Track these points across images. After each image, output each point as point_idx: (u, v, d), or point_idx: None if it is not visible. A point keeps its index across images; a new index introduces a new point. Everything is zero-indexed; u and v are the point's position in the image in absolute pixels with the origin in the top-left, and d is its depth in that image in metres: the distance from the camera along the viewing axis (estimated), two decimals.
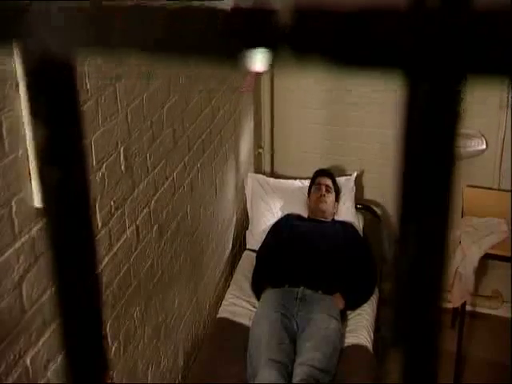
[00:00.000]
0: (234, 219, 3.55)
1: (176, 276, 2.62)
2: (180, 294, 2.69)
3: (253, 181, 3.67)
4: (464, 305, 3.29)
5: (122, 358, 2.10)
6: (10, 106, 1.40)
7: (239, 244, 3.63)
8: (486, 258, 3.10)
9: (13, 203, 1.42)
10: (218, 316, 3.02)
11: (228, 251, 3.45)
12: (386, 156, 3.87)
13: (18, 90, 1.42)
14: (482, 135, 3.57)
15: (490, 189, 3.61)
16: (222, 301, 3.16)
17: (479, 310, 3.90)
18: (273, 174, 3.98)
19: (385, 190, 3.94)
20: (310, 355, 2.56)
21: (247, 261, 3.41)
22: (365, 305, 3.06)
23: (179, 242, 2.63)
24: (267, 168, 4.03)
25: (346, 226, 3.40)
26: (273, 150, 4.05)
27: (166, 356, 2.56)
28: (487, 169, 3.63)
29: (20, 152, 1.45)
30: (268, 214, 3.57)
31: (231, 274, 3.41)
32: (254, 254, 3.39)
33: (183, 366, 2.77)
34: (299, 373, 2.47)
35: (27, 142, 1.46)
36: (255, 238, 3.52)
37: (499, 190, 3.58)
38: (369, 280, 3.15)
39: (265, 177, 3.77)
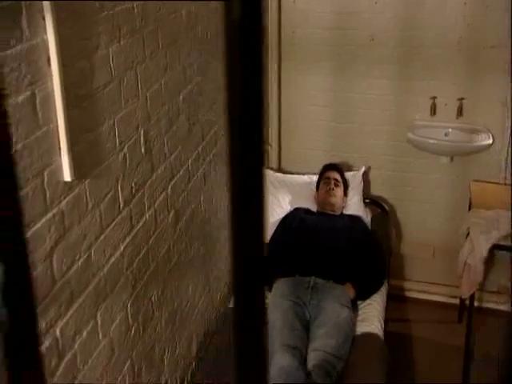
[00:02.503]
0: None
1: (190, 264, 2.65)
2: (193, 282, 2.72)
3: None
4: (472, 300, 3.32)
5: (141, 339, 2.12)
6: (42, 80, 1.43)
7: None
8: (495, 248, 3.13)
9: (45, 174, 1.46)
10: (230, 306, 3.04)
11: None
12: (390, 153, 3.91)
13: (50, 65, 1.46)
14: (489, 130, 3.61)
15: (496, 183, 3.65)
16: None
17: (486, 305, 3.93)
18: (280, 171, 4.01)
19: (389, 186, 3.98)
20: (324, 342, 2.58)
21: None
22: (375, 295, 3.09)
23: (193, 231, 2.66)
24: (274, 165, 4.07)
25: (355, 219, 3.44)
26: (280, 147, 4.08)
27: (181, 343, 2.58)
28: (494, 164, 3.67)
29: (51, 126, 1.48)
30: (277, 208, 3.60)
31: None
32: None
33: (196, 354, 2.79)
34: (314, 357, 2.50)
35: (58, 117, 1.50)
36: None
37: (506, 184, 3.62)
38: (378, 271, 3.18)
39: (273, 172, 3.81)
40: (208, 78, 2.71)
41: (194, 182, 2.63)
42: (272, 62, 3.86)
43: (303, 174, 3.82)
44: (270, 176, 3.73)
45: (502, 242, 3.07)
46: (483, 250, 3.05)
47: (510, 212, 3.17)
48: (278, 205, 3.61)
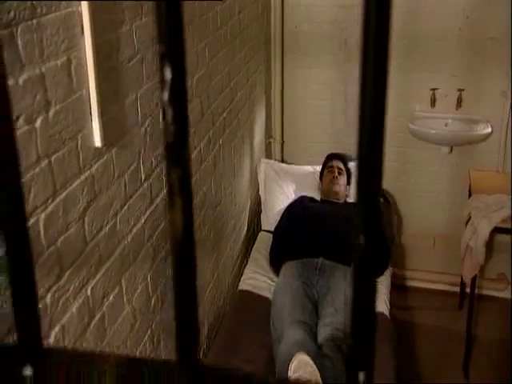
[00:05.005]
0: (249, 204, 3.65)
1: (200, 247, 2.71)
2: (204, 265, 2.78)
3: (266, 166, 3.78)
4: (473, 286, 3.40)
5: (160, 311, 2.18)
6: (77, 47, 1.50)
7: (254, 227, 3.72)
8: (496, 231, 3.20)
9: (79, 138, 1.52)
10: (239, 289, 3.11)
11: (244, 232, 3.54)
12: (391, 144, 3.99)
13: (83, 34, 1.52)
14: (487, 120, 3.70)
15: (495, 171, 3.74)
16: (240, 277, 3.25)
17: (485, 292, 4.01)
18: (283, 163, 4.08)
19: (390, 176, 4.06)
20: (333, 318, 2.65)
21: (263, 240, 3.50)
22: (380, 277, 3.16)
23: (205, 213, 2.72)
24: (278, 157, 4.14)
25: None
26: (283, 140, 4.16)
27: None
28: (492, 153, 3.76)
29: (84, 92, 1.54)
30: (282, 196, 3.68)
31: (247, 255, 3.50)
32: (270, 234, 3.48)
33: (207, 335, 2.85)
34: (324, 333, 2.56)
35: (90, 84, 1.56)
36: (270, 220, 3.62)
37: (504, 172, 3.71)
38: (383, 253, 3.25)
39: (277, 162, 3.88)
40: (218, 66, 2.78)
41: (205, 166, 2.70)
42: (275, 56, 3.94)
43: (307, 165, 3.90)
44: (275, 166, 3.80)
45: (503, 225, 3.15)
46: (485, 233, 3.12)
47: (510, 196, 3.25)
48: (283, 194, 3.69)
